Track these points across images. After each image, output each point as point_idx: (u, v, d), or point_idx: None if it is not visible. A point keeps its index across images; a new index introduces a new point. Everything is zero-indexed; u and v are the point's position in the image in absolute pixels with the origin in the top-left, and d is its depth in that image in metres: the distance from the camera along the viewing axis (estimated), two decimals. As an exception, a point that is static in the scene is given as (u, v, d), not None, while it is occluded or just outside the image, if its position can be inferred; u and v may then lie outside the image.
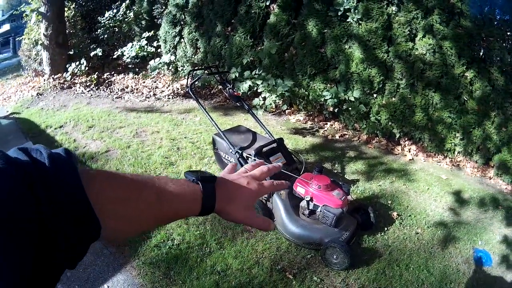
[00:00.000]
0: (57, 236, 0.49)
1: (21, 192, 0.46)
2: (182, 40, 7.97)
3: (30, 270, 0.46)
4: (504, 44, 4.76)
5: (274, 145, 3.72)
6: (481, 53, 4.87)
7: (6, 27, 32.66)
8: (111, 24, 9.13)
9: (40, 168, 0.50)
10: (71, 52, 8.67)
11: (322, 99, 5.78)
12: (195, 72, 4.41)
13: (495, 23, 4.80)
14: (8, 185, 0.45)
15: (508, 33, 4.78)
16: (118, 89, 7.69)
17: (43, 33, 8.11)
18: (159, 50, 8.51)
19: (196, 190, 0.74)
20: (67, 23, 9.11)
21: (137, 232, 0.69)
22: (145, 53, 8.34)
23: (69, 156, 0.55)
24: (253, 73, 5.95)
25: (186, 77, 4.26)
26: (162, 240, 3.28)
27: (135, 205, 0.63)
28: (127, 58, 8.41)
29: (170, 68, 7.94)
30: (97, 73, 8.22)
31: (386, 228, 3.63)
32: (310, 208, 3.17)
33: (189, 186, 0.74)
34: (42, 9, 7.93)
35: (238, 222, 0.82)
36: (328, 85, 5.93)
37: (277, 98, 5.74)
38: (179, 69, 7.91)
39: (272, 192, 3.31)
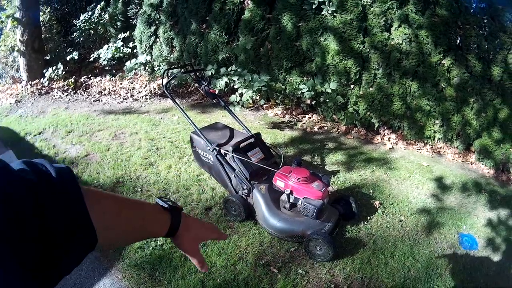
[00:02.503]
0: (58, 247, 0.56)
1: (25, 206, 0.51)
2: (157, 39, 7.89)
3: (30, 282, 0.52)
4: (480, 31, 4.81)
5: (252, 140, 3.70)
6: (457, 41, 4.91)
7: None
8: (86, 27, 8.98)
9: (46, 184, 0.57)
10: (47, 57, 8.54)
11: (299, 92, 5.77)
12: (170, 71, 4.37)
13: (471, 10, 4.83)
14: (12, 199, 0.50)
15: (485, 20, 4.82)
16: (96, 92, 7.58)
17: (19, 39, 7.95)
18: (135, 51, 8.40)
19: (167, 218, 0.91)
20: (43, 27, 8.97)
21: (121, 244, 0.82)
22: (121, 54, 8.23)
23: (72, 177, 0.63)
24: (229, 69, 5.91)
25: (162, 76, 4.25)
26: (145, 241, 3.24)
27: (127, 223, 0.78)
28: (104, 60, 8.29)
29: (146, 68, 7.85)
30: (74, 77, 8.07)
31: (369, 217, 3.64)
32: (290, 201, 3.16)
33: (161, 212, 0.91)
34: (17, 15, 7.77)
35: (183, 249, 0.98)
36: (305, 78, 5.93)
37: (254, 93, 5.73)
38: (156, 68, 7.82)
39: (252, 187, 3.30)
